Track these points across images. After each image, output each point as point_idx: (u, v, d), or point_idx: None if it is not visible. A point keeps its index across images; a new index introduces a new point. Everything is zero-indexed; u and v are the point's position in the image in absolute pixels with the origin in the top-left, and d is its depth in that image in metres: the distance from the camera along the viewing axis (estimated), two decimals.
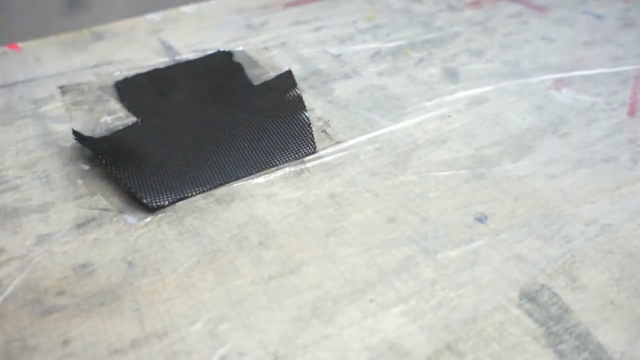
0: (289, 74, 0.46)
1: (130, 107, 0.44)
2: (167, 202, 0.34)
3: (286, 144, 0.39)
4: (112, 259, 0.31)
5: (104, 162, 0.36)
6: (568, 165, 0.37)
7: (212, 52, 0.51)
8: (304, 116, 0.41)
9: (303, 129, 0.40)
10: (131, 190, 0.35)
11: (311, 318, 0.28)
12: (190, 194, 0.35)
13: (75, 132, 0.39)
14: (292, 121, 0.41)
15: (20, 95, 0.46)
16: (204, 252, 0.31)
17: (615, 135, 0.40)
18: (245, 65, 0.49)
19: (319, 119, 0.42)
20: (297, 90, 0.44)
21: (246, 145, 0.39)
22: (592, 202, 0.34)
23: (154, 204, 0.34)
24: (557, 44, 0.51)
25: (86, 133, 0.41)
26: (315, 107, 0.43)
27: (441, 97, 0.44)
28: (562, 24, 0.55)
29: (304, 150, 0.38)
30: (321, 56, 0.50)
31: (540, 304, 0.28)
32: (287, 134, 0.40)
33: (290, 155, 0.38)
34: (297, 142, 0.39)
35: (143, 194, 0.34)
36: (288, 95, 0.44)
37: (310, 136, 0.39)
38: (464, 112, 0.42)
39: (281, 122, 0.41)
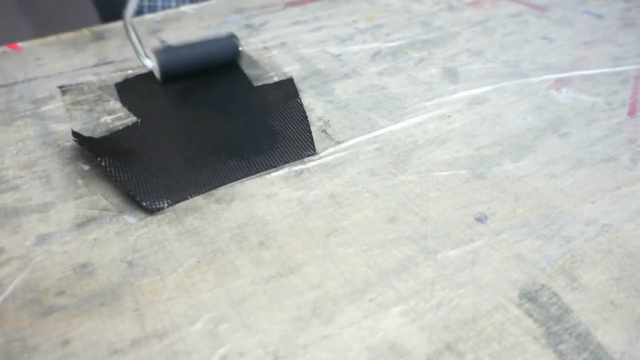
0: (290, 81, 0.46)
1: (130, 107, 0.44)
2: (166, 205, 0.34)
3: (286, 146, 0.39)
4: (112, 259, 0.31)
5: (103, 164, 0.36)
6: (568, 165, 0.37)
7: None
8: (304, 121, 0.41)
9: (303, 134, 0.40)
10: (130, 193, 0.34)
11: (311, 318, 0.28)
12: (189, 196, 0.35)
13: (74, 133, 0.39)
14: (292, 125, 0.41)
15: (20, 95, 0.46)
16: (204, 252, 0.31)
17: (615, 135, 0.40)
18: (245, 65, 0.49)
19: (319, 119, 0.42)
20: (298, 99, 0.44)
21: (246, 147, 0.39)
22: (592, 202, 0.34)
23: (153, 207, 0.34)
24: (557, 44, 0.51)
25: (86, 133, 0.41)
26: (315, 107, 0.43)
27: (441, 97, 0.44)
28: (562, 24, 0.55)
29: (303, 154, 0.38)
30: (321, 56, 0.50)
31: (540, 304, 0.28)
32: (286, 137, 0.40)
33: (290, 158, 0.38)
34: (296, 146, 0.39)
35: (142, 197, 0.34)
36: (289, 101, 0.44)
37: (310, 140, 0.39)
38: (464, 112, 0.42)
39: (281, 125, 0.41)
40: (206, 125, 0.41)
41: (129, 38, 0.45)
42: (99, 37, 0.54)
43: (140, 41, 0.45)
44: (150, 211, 0.34)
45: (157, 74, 0.46)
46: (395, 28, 0.55)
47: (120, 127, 0.41)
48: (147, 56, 0.45)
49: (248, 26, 0.56)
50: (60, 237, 0.32)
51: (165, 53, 0.45)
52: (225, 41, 0.47)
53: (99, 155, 0.37)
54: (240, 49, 0.47)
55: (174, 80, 0.46)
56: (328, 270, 0.30)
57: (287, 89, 0.45)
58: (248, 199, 0.35)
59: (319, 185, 0.36)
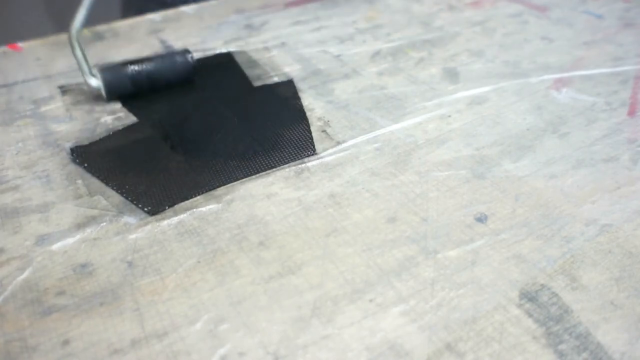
0: (290, 81, 0.46)
1: (130, 107, 0.44)
2: (166, 207, 0.34)
3: (286, 147, 0.39)
4: (112, 259, 0.31)
5: (101, 180, 0.36)
6: (568, 165, 0.37)
7: (212, 53, 0.51)
8: (304, 122, 0.41)
9: (303, 134, 0.40)
10: (133, 202, 0.34)
11: (311, 318, 0.28)
12: (189, 197, 0.35)
13: (72, 152, 0.38)
14: (292, 126, 0.41)
15: (20, 95, 0.46)
16: (204, 252, 0.31)
17: (615, 135, 0.40)
18: (245, 65, 0.49)
19: (319, 119, 0.42)
20: (298, 99, 0.44)
21: (246, 148, 0.39)
22: (592, 202, 0.34)
23: (155, 211, 0.34)
24: (557, 44, 0.51)
25: (86, 133, 0.41)
26: (315, 107, 0.43)
27: (441, 97, 0.44)
28: (562, 24, 0.55)
29: (303, 154, 0.38)
30: (321, 56, 0.50)
31: (540, 304, 0.28)
32: (286, 138, 0.40)
33: (290, 158, 0.38)
34: (296, 146, 0.39)
35: (144, 204, 0.34)
36: (288, 101, 0.44)
37: (310, 140, 0.39)
38: (464, 112, 0.42)
39: (281, 126, 0.41)
40: (206, 125, 0.41)
41: (74, 54, 0.43)
42: (99, 37, 0.54)
43: (85, 58, 0.43)
44: (151, 214, 0.34)
45: (103, 92, 0.43)
46: (395, 28, 0.55)
47: (120, 127, 0.41)
48: (92, 75, 0.43)
49: (248, 26, 0.56)
50: (60, 237, 0.32)
51: (110, 71, 0.43)
52: (178, 57, 0.45)
53: (96, 171, 0.37)
54: (192, 65, 0.45)
55: (122, 98, 0.44)
56: (328, 270, 0.30)
57: (287, 89, 0.45)
58: (248, 199, 0.35)
59: (319, 185, 0.36)
